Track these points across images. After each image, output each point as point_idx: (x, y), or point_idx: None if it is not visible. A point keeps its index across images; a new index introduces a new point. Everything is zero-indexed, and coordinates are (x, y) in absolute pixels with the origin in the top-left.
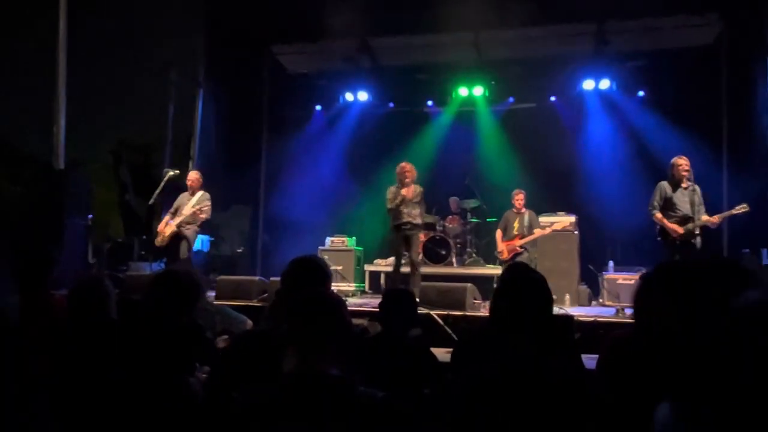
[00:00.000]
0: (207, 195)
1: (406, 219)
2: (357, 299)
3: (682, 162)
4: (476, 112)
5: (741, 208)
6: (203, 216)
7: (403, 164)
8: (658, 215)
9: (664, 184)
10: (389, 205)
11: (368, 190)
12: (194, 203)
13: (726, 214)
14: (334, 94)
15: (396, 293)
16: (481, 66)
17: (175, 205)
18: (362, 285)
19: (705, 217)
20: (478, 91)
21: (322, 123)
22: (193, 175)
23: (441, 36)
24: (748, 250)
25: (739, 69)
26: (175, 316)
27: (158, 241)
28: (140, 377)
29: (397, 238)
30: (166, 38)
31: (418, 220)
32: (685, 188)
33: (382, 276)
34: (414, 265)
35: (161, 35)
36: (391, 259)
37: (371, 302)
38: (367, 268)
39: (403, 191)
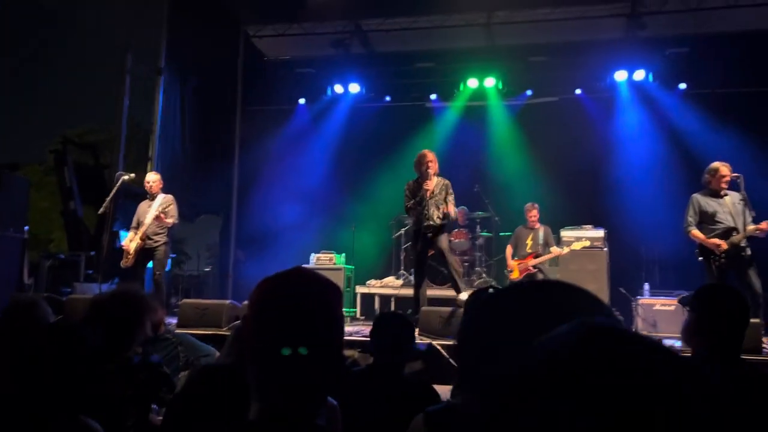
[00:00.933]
0: (170, 197)
1: (428, 221)
2: (347, 327)
3: (726, 171)
4: (488, 107)
5: None
6: (170, 220)
7: (424, 152)
8: (695, 232)
9: (698, 197)
10: (407, 203)
11: (360, 198)
12: (155, 210)
13: None
14: (320, 85)
15: (389, 317)
16: (493, 53)
17: (135, 218)
18: (353, 310)
19: (752, 227)
20: (490, 82)
21: (306, 119)
22: (152, 177)
23: (447, 18)
24: None
25: None
26: (119, 350)
27: (126, 262)
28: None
29: (418, 247)
30: (121, 18)
31: (438, 221)
32: (722, 196)
33: (377, 299)
34: (452, 273)
35: (115, 14)
36: (388, 280)
37: (363, 330)
38: (359, 290)
39: (426, 185)
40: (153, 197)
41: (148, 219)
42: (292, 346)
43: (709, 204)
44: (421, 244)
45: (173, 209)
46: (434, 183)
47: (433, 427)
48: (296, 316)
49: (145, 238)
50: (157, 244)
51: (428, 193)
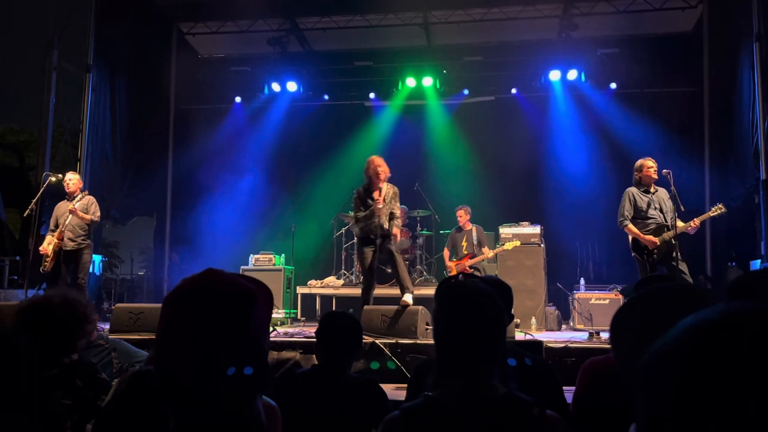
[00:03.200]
0: (91, 197)
1: (378, 229)
2: (287, 328)
3: (652, 164)
4: (426, 106)
5: (717, 209)
6: (90, 217)
7: (372, 158)
8: (631, 227)
9: (633, 191)
10: (356, 213)
11: (299, 198)
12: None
13: (703, 217)
14: (257, 83)
15: (337, 317)
16: (431, 53)
17: (53, 219)
18: (293, 311)
19: (681, 224)
20: (428, 81)
21: (242, 118)
22: (71, 177)
23: (384, 17)
24: (734, 264)
25: (722, 58)
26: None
27: (45, 266)
28: None
29: (366, 252)
30: (46, 11)
31: (387, 227)
32: (653, 192)
33: (318, 300)
34: (400, 274)
35: (39, 7)
36: (328, 280)
37: (305, 331)
38: (300, 290)
39: (376, 194)
40: (72, 197)
41: (66, 219)
42: (199, 356)
43: (641, 199)
44: (371, 250)
45: (94, 208)
46: (384, 191)
47: (412, 424)
48: (202, 325)
49: (62, 238)
50: (80, 247)
51: (379, 203)
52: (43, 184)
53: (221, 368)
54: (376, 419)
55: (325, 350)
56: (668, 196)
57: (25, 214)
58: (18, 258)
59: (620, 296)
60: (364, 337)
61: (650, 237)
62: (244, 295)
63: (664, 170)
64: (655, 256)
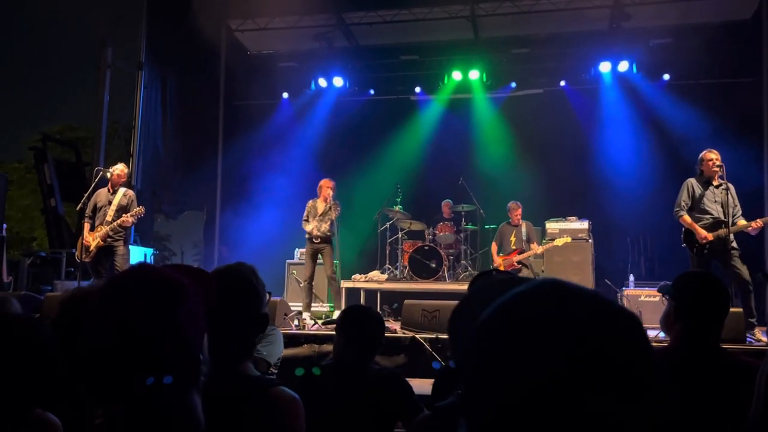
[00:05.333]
0: (132, 192)
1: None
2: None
3: (713, 156)
4: (472, 99)
5: None
6: (132, 220)
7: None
8: (686, 217)
9: (693, 182)
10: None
11: (344, 192)
12: (117, 204)
13: (767, 219)
14: (304, 79)
15: (353, 311)
16: (477, 45)
17: (91, 204)
18: None
19: (742, 222)
20: (475, 75)
21: (289, 113)
22: (116, 169)
23: (430, 10)
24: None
25: None
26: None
27: (85, 256)
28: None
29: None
30: (99, 11)
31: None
32: (717, 186)
33: (362, 294)
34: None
35: (93, 7)
36: (372, 274)
37: None
38: (344, 284)
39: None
40: (113, 188)
41: (110, 216)
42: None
43: (700, 191)
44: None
45: (135, 207)
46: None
47: (442, 423)
48: (126, 316)
49: (105, 237)
50: (117, 243)
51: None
52: (95, 178)
53: (143, 364)
54: (401, 413)
55: (347, 343)
56: (735, 194)
57: (78, 208)
58: (74, 251)
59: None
60: (404, 331)
61: (703, 231)
62: (170, 287)
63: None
64: (705, 251)
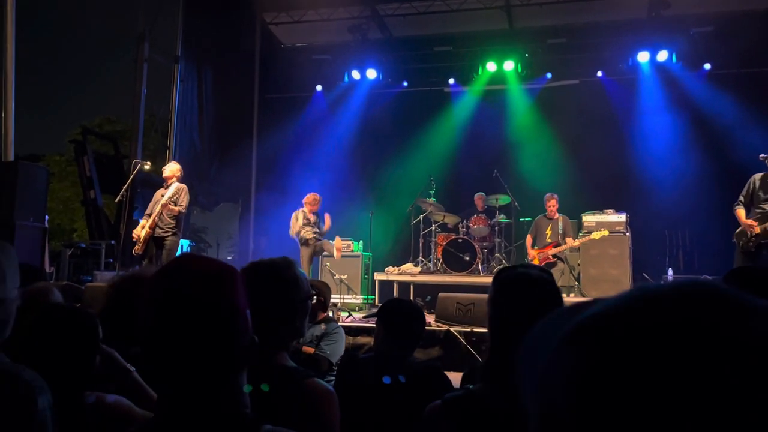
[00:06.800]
0: (183, 186)
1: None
2: (365, 313)
3: None
4: (507, 90)
5: None
6: (177, 209)
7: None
8: (738, 211)
9: (756, 176)
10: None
11: (377, 184)
12: (167, 198)
13: None
14: (337, 71)
15: (394, 304)
16: (512, 36)
17: (150, 205)
18: (371, 297)
19: None
20: (509, 65)
21: (323, 106)
22: (172, 168)
23: (465, 1)
24: None
25: None
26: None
27: (136, 249)
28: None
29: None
30: (136, 6)
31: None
32: None
33: (395, 286)
34: None
35: (131, 2)
36: (406, 267)
37: None
38: (377, 277)
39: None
40: (168, 186)
41: (158, 208)
42: (162, 342)
43: (762, 186)
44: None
45: (182, 198)
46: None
47: (452, 414)
48: (166, 312)
49: (154, 227)
50: (166, 235)
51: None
52: (133, 171)
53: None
54: None
55: (387, 336)
56: None
57: (117, 200)
58: (113, 242)
59: None
60: (438, 324)
61: (749, 221)
62: (218, 276)
63: (762, 155)
64: (751, 243)
